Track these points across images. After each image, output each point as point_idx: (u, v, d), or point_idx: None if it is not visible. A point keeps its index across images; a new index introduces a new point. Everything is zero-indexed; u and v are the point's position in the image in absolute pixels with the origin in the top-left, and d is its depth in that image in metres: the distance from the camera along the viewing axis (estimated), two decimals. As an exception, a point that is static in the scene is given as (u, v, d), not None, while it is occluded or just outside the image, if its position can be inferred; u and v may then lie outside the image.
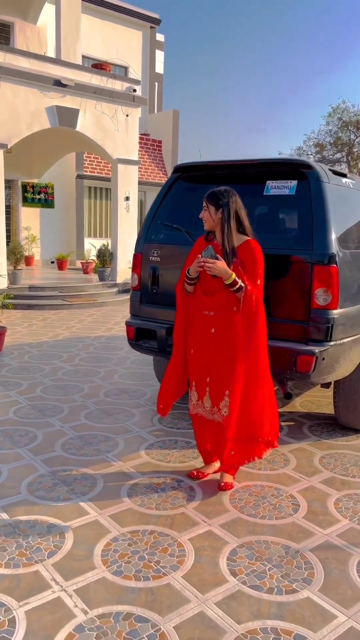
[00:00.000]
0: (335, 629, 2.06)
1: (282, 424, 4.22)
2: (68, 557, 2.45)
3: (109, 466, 3.39)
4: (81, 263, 13.38)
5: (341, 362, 3.56)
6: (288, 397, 3.66)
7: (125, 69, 17.31)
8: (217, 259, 2.84)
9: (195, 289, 3.05)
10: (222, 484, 3.13)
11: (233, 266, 2.86)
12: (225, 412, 2.99)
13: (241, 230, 3.00)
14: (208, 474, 3.26)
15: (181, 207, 4.05)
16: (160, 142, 17.19)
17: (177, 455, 3.57)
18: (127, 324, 4.12)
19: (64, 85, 9.99)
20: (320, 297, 3.40)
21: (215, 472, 3.26)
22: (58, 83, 9.91)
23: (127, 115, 11.04)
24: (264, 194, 3.66)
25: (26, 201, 14.71)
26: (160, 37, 18.62)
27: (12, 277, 10.06)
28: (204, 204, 2.98)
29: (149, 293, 4.10)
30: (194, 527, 2.74)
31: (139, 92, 17.02)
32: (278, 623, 2.09)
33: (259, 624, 2.08)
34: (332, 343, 3.43)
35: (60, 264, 13.70)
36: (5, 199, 14.30)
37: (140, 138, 16.59)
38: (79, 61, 12.18)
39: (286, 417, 4.40)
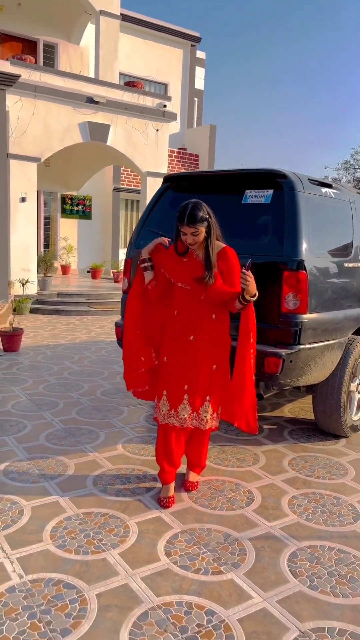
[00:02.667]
0: (247, 608, 2.18)
1: (264, 426, 4.32)
2: (20, 531, 2.67)
3: (84, 456, 3.60)
4: (113, 272, 13.80)
5: (312, 366, 3.64)
6: (260, 398, 3.76)
7: (165, 85, 17.81)
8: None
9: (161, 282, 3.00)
10: (189, 484, 3.20)
11: (216, 275, 2.82)
12: (206, 416, 2.97)
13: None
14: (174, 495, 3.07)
15: (169, 215, 4.26)
16: (197, 155, 17.52)
17: (151, 450, 3.74)
18: (116, 324, 4.34)
19: (96, 102, 10.46)
20: (289, 301, 3.52)
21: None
22: (90, 100, 10.39)
23: (157, 130, 11.41)
24: (242, 202, 3.82)
25: (65, 212, 15.33)
26: (200, 54, 19.04)
27: (42, 284, 10.54)
28: (192, 230, 2.76)
29: (137, 296, 4.31)
30: (145, 512, 2.90)
31: (177, 108, 17.47)
32: (194, 598, 2.22)
33: (176, 598, 2.22)
34: (300, 346, 3.52)
35: (94, 273, 14.16)
36: (45, 210, 15.02)
37: (177, 152, 16.98)
38: (117, 80, 12.70)
39: (271, 421, 4.49)
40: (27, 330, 8.18)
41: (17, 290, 9.79)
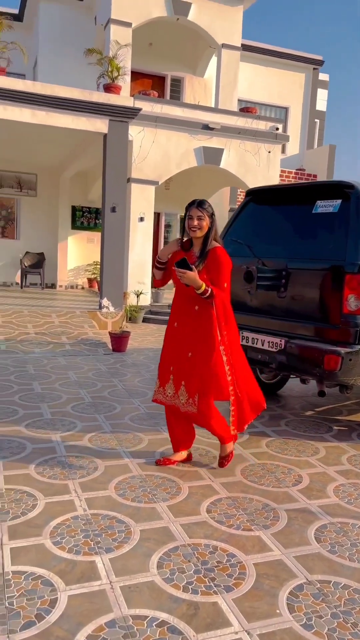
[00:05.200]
0: (264, 557, 2.48)
1: (334, 427, 4.47)
2: (92, 481, 3.21)
3: (158, 434, 4.09)
4: (225, 289, 14.35)
5: (374, 366, 3.78)
6: (322, 394, 3.97)
7: (286, 109, 18.19)
8: (190, 269, 3.02)
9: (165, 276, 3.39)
10: (218, 460, 3.50)
11: (202, 269, 3.14)
12: (182, 400, 3.29)
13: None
14: (175, 461, 3.51)
15: (250, 226, 4.67)
16: (315, 176, 17.57)
17: (219, 436, 4.12)
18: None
19: (211, 129, 11.19)
20: (351, 303, 3.73)
21: (183, 460, 3.54)
22: (206, 127, 11.15)
23: (269, 152, 11.82)
24: (313, 212, 4.11)
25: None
26: (324, 76, 19.15)
27: (155, 296, 11.38)
28: (199, 213, 3.14)
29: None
30: (199, 480, 3.29)
31: (296, 130, 17.77)
32: (221, 544, 2.57)
33: (205, 541, 2.59)
34: (361, 346, 3.70)
35: (207, 289, 14.84)
36: (166, 230, 16.09)
37: (295, 173, 17.20)
38: (235, 107, 13.40)
39: (343, 423, 4.62)
40: (137, 336, 8.96)
41: (132, 300, 10.71)
